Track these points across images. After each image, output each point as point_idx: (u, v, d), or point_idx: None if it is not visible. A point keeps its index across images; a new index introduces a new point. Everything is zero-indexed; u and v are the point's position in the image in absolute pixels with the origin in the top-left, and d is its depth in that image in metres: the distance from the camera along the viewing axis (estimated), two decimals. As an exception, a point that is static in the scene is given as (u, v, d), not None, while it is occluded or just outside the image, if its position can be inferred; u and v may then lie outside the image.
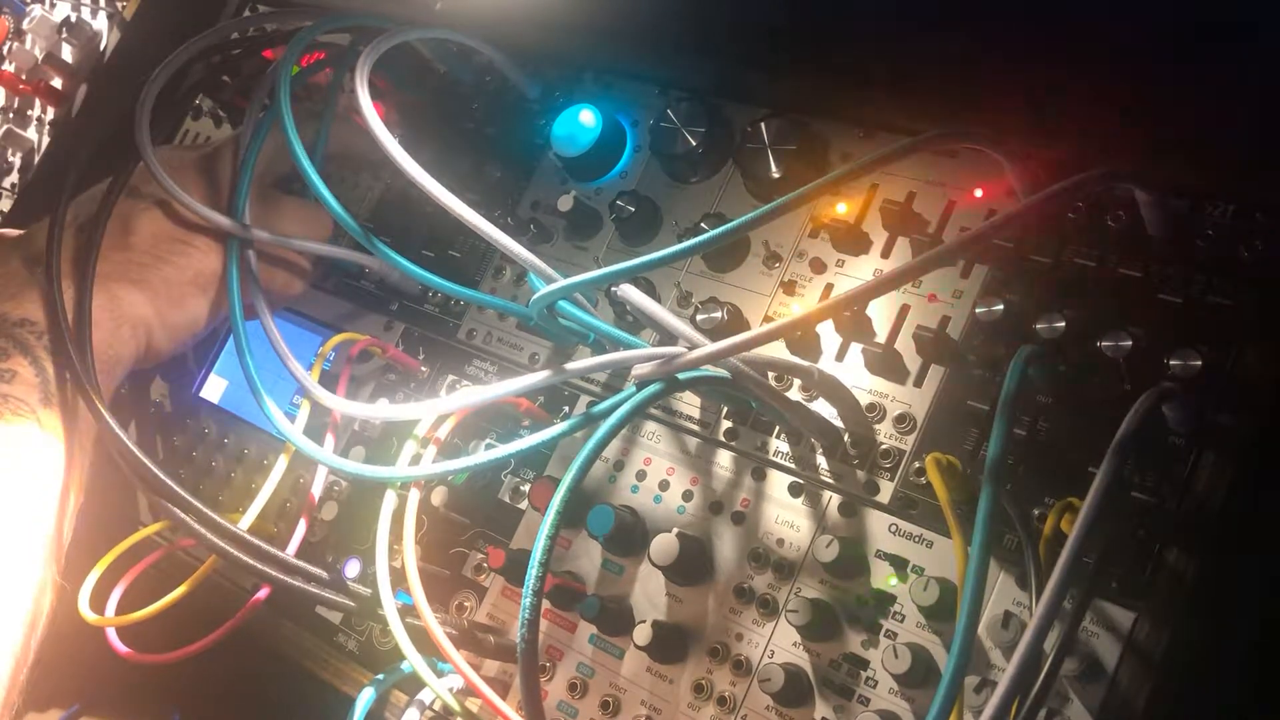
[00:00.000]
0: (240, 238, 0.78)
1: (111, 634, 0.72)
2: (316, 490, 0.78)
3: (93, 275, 0.73)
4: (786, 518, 0.67)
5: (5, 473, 0.66)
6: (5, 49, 1.12)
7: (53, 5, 1.12)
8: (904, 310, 0.68)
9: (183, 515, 0.67)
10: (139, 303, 0.75)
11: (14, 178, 1.11)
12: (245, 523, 0.73)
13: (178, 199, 0.76)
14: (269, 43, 0.90)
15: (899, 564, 0.63)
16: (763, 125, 0.73)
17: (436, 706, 0.70)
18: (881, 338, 0.68)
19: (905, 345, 0.67)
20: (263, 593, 0.73)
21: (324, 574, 0.68)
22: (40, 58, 1.09)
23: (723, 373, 0.62)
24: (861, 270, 0.70)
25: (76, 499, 0.71)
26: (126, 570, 0.75)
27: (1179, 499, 0.57)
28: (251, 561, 0.67)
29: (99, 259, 0.74)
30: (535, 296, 0.66)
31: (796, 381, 0.69)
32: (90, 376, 0.69)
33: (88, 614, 0.70)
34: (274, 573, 0.67)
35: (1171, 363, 0.56)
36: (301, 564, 0.68)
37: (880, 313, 0.68)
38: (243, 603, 0.73)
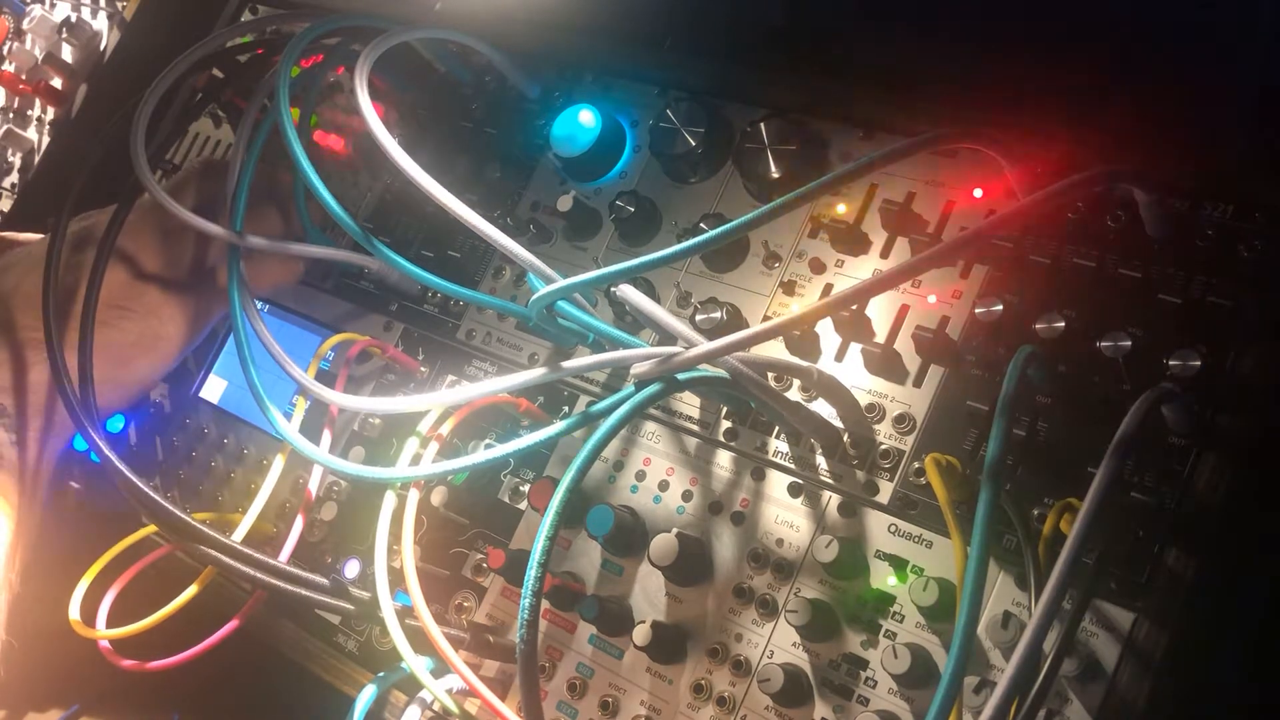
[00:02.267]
0: (239, 245, 0.78)
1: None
2: (314, 490, 0.78)
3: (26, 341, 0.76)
4: (786, 518, 0.67)
5: None
6: (5, 49, 1.12)
7: (53, 5, 1.12)
8: (903, 310, 0.68)
9: (182, 538, 0.68)
10: None
11: (14, 178, 1.11)
12: (245, 523, 0.74)
13: (177, 215, 0.77)
14: (272, 49, 0.90)
15: (898, 564, 0.63)
16: (762, 125, 0.73)
17: (437, 706, 0.70)
18: (881, 338, 0.68)
19: (905, 345, 0.67)
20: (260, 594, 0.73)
21: (324, 581, 0.68)
22: (40, 58, 1.09)
23: (721, 372, 0.62)
24: (861, 270, 0.70)
25: (22, 558, 0.74)
26: (124, 570, 0.75)
27: (1179, 499, 0.56)
28: (252, 572, 0.67)
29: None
30: (534, 297, 0.66)
31: (796, 382, 0.69)
32: (35, 439, 0.75)
33: (75, 617, 0.71)
34: (275, 581, 0.67)
35: (1171, 363, 0.56)
36: (302, 573, 0.68)
37: (880, 313, 0.68)
38: (241, 603, 0.73)
